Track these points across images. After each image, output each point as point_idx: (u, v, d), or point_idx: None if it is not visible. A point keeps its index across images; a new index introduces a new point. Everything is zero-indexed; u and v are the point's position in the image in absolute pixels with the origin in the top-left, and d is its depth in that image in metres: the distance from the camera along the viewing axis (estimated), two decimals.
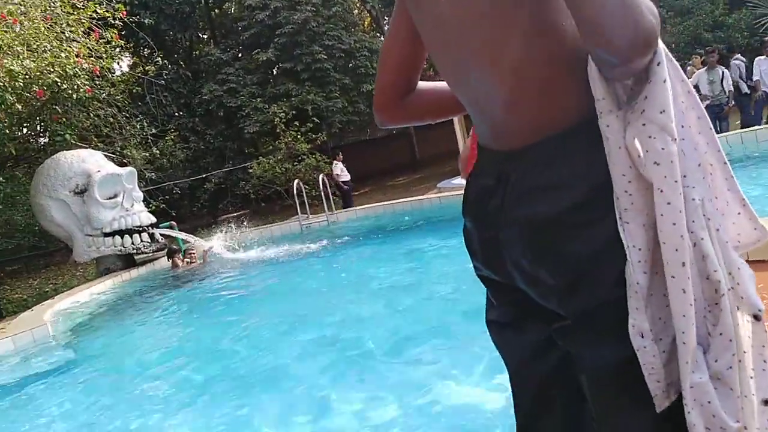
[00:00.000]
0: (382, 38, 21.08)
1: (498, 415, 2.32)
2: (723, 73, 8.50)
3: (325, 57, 15.93)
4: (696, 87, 8.59)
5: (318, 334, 4.05)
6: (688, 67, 10.62)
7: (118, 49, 9.72)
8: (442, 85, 1.11)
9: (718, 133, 7.36)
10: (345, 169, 12.74)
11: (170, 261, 8.35)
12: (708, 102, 8.41)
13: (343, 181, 12.71)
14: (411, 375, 3.06)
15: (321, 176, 10.54)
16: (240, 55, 17.94)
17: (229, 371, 3.69)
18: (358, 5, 24.38)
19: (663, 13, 19.62)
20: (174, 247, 8.59)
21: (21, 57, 7.23)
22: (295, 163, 13.61)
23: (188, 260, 8.23)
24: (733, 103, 8.79)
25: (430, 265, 5.64)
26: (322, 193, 9.92)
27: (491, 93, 0.91)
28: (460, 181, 9.44)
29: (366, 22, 25.83)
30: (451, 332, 3.51)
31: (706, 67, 8.63)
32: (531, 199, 0.87)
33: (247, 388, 3.33)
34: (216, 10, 22.71)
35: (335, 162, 12.92)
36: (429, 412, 2.53)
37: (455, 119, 8.79)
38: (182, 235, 8.87)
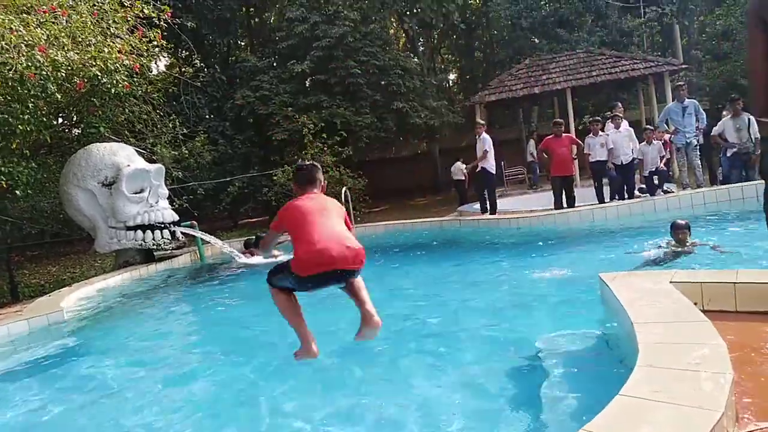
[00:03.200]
0: (416, 59, 21.39)
1: None
2: (749, 119, 8.35)
3: (359, 72, 16.11)
4: (721, 135, 8.49)
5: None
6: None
7: (158, 49, 9.95)
8: None
9: (746, 181, 7.07)
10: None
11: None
12: (735, 149, 8.29)
13: (459, 180, 12.94)
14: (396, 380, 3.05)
15: (344, 189, 10.60)
16: (275, 64, 18.22)
17: (234, 365, 3.71)
18: (395, 24, 24.70)
19: (699, 55, 19.49)
20: (260, 234, 8.84)
21: (66, 48, 7.44)
22: None
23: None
24: (759, 150, 8.62)
25: (440, 285, 5.61)
26: (344, 207, 9.95)
27: None
28: (479, 206, 9.43)
29: (401, 42, 26.12)
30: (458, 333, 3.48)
31: (731, 115, 8.47)
32: None
33: (251, 382, 3.36)
34: (256, 19, 23.19)
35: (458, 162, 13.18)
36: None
37: (482, 148, 8.79)
38: (202, 235, 8.97)
